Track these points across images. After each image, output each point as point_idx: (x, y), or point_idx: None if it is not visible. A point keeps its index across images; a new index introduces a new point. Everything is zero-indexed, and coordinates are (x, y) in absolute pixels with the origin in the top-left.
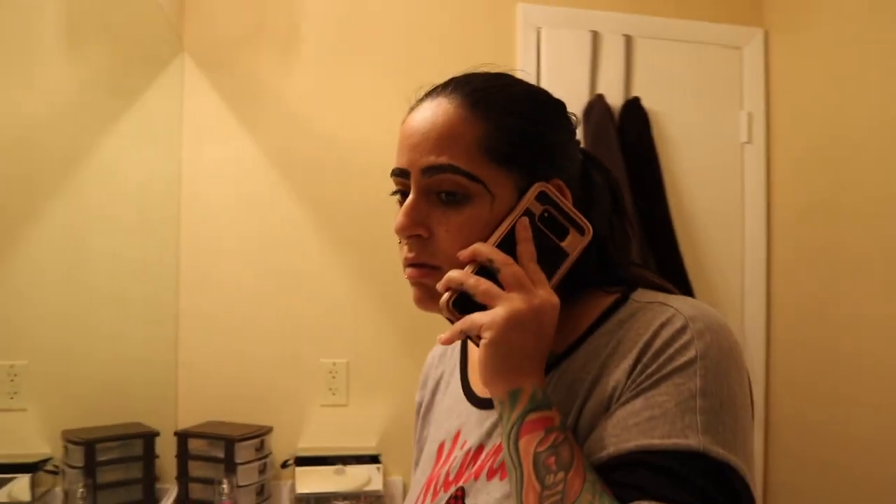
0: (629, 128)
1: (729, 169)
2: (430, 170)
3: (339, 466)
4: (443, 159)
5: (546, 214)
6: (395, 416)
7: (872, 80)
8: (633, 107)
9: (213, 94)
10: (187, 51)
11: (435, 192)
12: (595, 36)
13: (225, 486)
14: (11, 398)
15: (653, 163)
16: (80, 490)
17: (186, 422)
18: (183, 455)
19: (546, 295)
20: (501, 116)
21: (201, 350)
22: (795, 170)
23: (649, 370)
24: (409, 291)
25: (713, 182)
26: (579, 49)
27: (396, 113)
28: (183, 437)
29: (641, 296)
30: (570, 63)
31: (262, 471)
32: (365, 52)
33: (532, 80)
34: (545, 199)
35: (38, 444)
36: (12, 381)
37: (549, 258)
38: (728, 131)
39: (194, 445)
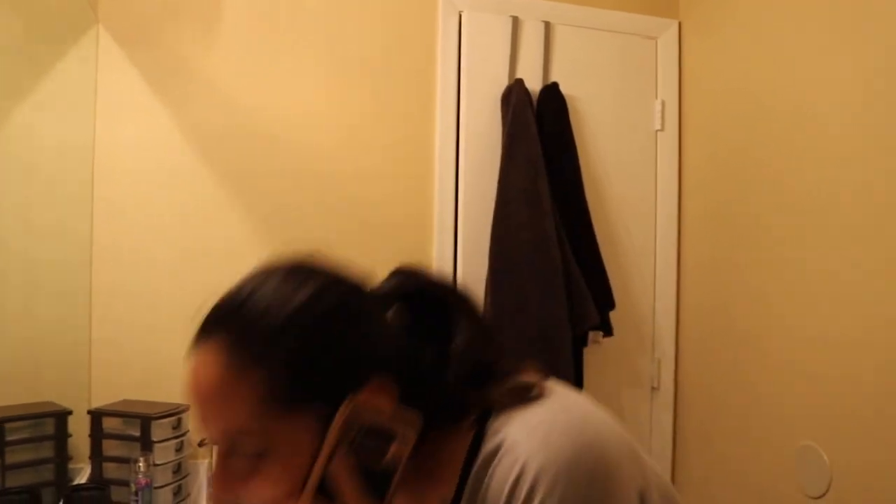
0: (547, 112)
1: (643, 155)
2: (221, 438)
3: None
4: (228, 426)
5: (363, 433)
6: None
7: (779, 70)
8: (552, 92)
9: (130, 68)
10: (102, 22)
11: (237, 453)
12: (515, 21)
13: (141, 464)
14: None
15: (569, 148)
16: None
17: (100, 401)
18: (97, 434)
19: None
20: (275, 355)
21: (116, 327)
22: (706, 156)
23: None
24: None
25: (628, 168)
26: (500, 34)
27: (315, 90)
28: (97, 415)
29: (496, 427)
30: (491, 47)
31: (178, 449)
32: (285, 30)
33: None
34: (356, 418)
35: None
36: None
37: (377, 478)
38: (643, 119)
39: (109, 424)
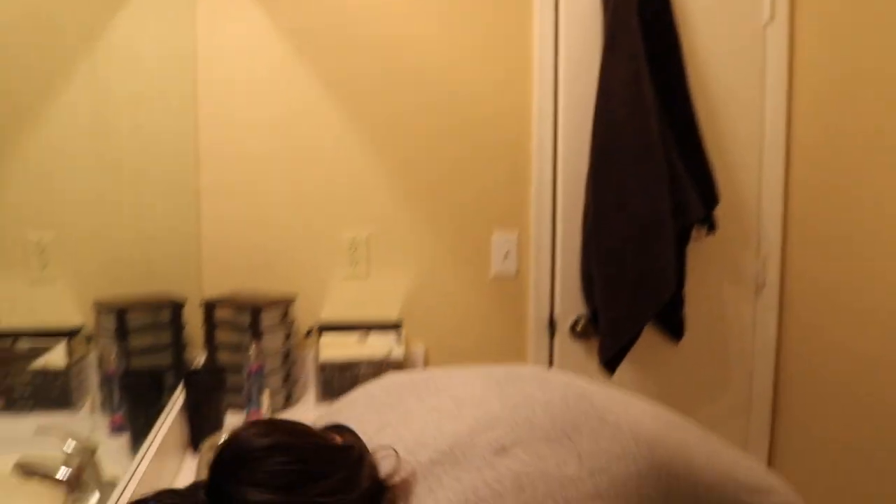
0: (649, 5)
1: (750, 48)
2: None
3: (362, 334)
4: None
5: None
6: (415, 287)
7: None
8: None
9: None
10: None
11: None
12: None
13: (252, 350)
14: (42, 270)
15: (673, 39)
16: (113, 355)
17: (211, 293)
18: (210, 323)
19: None
20: None
21: (223, 223)
22: (818, 46)
23: None
24: (427, 164)
25: (734, 60)
26: None
27: None
28: (209, 305)
29: None
30: None
31: (286, 338)
32: None
33: None
34: None
35: (71, 314)
36: (41, 253)
37: None
38: (750, 10)
39: (220, 314)
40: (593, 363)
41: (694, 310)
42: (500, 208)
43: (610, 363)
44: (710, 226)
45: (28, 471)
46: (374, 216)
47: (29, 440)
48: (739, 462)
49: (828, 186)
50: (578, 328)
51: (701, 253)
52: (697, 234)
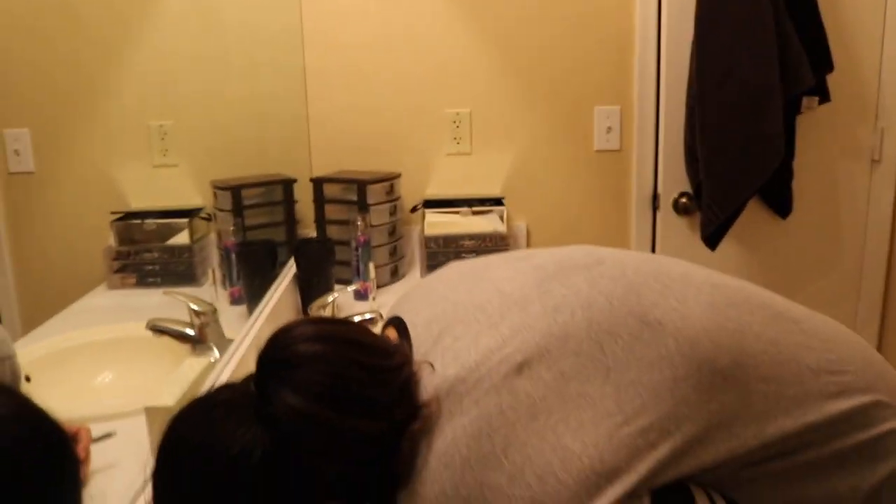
0: None
1: None
2: None
3: (466, 210)
4: None
5: None
6: (518, 163)
7: None
8: None
9: None
10: None
11: None
12: None
13: (360, 223)
14: (164, 155)
15: None
16: (231, 229)
17: (320, 172)
18: (319, 199)
19: None
20: None
21: (329, 105)
22: None
23: None
24: (528, 40)
25: None
26: None
27: None
28: (318, 182)
29: None
30: None
31: (392, 213)
32: None
33: None
34: None
35: (192, 196)
36: (163, 139)
37: None
38: None
39: (329, 191)
40: (696, 239)
41: (803, 185)
42: (602, 83)
43: (712, 238)
44: (823, 95)
45: (159, 329)
46: (476, 93)
47: (160, 308)
48: (811, 345)
49: None
50: (681, 204)
51: (812, 124)
52: (809, 103)
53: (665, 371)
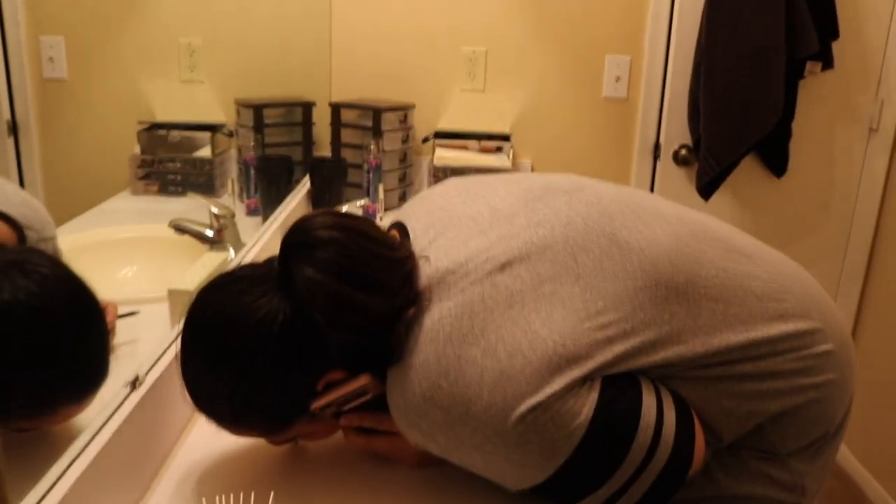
0: None
1: None
2: None
3: (474, 144)
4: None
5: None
6: (529, 103)
7: None
8: None
9: None
10: None
11: None
12: None
13: (372, 146)
14: (191, 71)
15: None
16: (252, 145)
17: (338, 97)
18: (336, 123)
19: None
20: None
21: (352, 33)
22: None
23: None
24: None
25: None
26: None
27: None
28: (336, 107)
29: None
30: None
31: (404, 140)
32: None
33: None
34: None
35: (215, 112)
36: (191, 56)
37: (371, 404)
38: None
39: (346, 115)
40: (691, 190)
41: (800, 146)
42: (615, 33)
43: (706, 188)
44: (827, 62)
45: (181, 228)
46: (492, 33)
47: (179, 214)
48: (757, 275)
49: None
50: (681, 155)
51: (814, 89)
52: (812, 68)
53: (627, 282)
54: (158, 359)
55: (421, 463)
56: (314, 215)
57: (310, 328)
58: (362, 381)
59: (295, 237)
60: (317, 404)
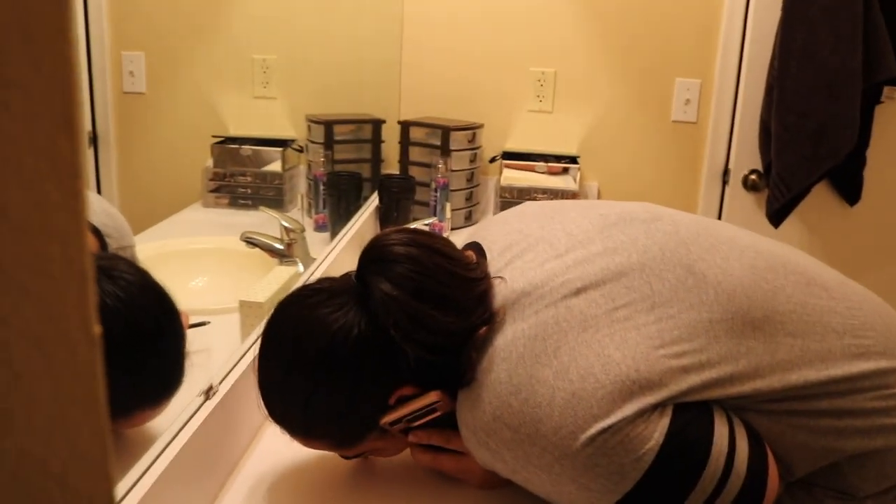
0: None
1: None
2: None
3: (541, 164)
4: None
5: (413, 417)
6: (597, 125)
7: None
8: None
9: None
10: None
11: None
12: None
13: (441, 166)
14: (265, 87)
15: None
16: (321, 160)
17: (407, 116)
18: (405, 141)
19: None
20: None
21: (423, 53)
22: None
23: None
24: (617, 8)
25: None
26: None
27: None
28: (405, 125)
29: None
30: None
31: (472, 160)
32: None
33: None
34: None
35: (286, 128)
36: (265, 72)
37: (440, 422)
38: None
39: (414, 134)
40: (761, 216)
41: (875, 174)
42: (685, 55)
43: (776, 215)
44: None
45: (252, 241)
46: (562, 54)
47: (249, 228)
48: (837, 310)
49: None
50: (751, 181)
51: (891, 115)
52: (890, 93)
53: (703, 313)
54: (232, 369)
55: (486, 484)
56: (391, 232)
57: (384, 342)
58: (433, 397)
59: (372, 252)
60: (387, 418)
